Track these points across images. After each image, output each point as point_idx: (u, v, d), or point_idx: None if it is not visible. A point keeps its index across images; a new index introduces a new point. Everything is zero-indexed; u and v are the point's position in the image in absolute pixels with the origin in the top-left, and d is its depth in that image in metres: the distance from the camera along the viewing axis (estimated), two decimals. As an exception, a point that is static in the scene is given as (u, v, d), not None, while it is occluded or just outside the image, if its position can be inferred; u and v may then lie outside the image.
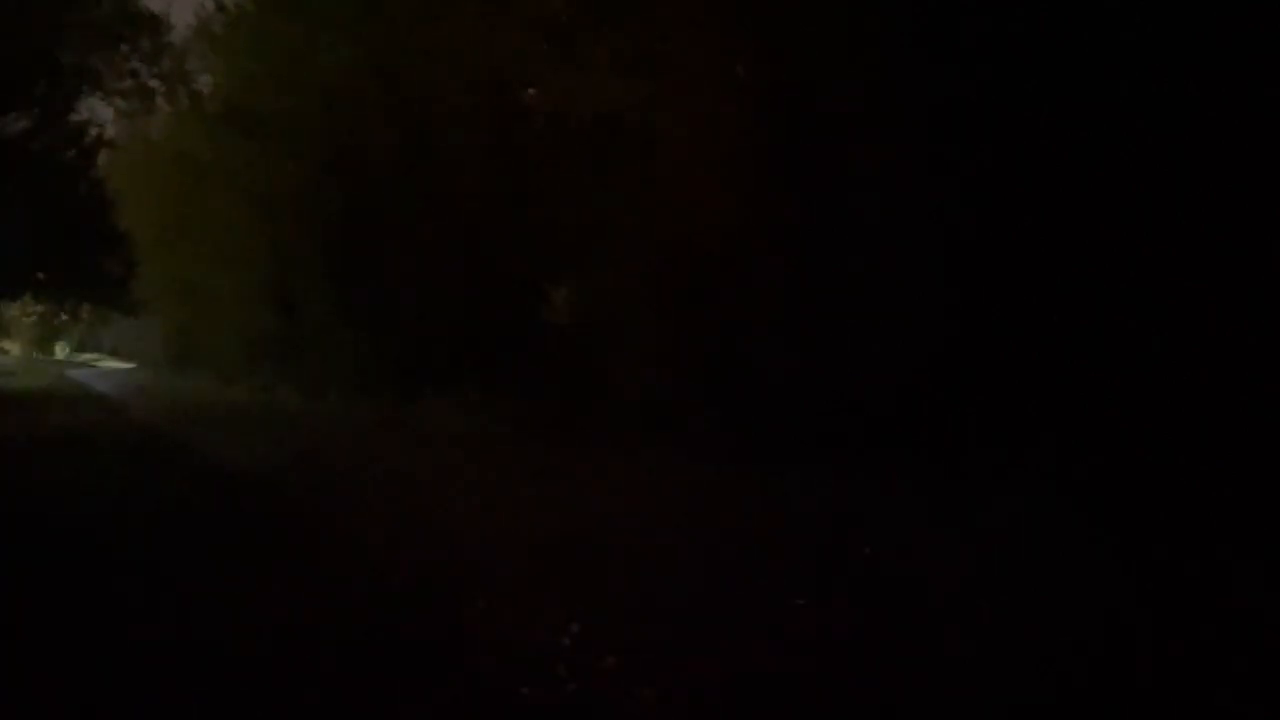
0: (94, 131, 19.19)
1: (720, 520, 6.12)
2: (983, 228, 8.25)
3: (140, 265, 23.91)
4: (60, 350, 54.90)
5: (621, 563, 4.94)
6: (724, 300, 10.74)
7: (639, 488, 7.48)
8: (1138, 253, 7.12)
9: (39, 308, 29.61)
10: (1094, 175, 7.41)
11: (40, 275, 18.52)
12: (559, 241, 13.36)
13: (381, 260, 15.90)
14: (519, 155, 13.66)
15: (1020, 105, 7.71)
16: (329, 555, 5.13)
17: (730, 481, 7.71)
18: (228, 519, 5.99)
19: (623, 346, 11.94)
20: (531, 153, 13.59)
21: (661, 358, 11.30)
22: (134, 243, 22.03)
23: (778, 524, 6.02)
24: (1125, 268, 7.25)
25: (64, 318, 36.75)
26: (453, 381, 14.18)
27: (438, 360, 14.85)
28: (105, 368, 42.91)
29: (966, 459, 7.26)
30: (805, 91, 10.03)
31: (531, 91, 14.07)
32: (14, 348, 51.21)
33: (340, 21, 15.82)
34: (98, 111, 18.79)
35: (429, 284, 14.98)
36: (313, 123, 16.84)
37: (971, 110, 8.09)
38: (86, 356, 52.81)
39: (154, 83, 17.49)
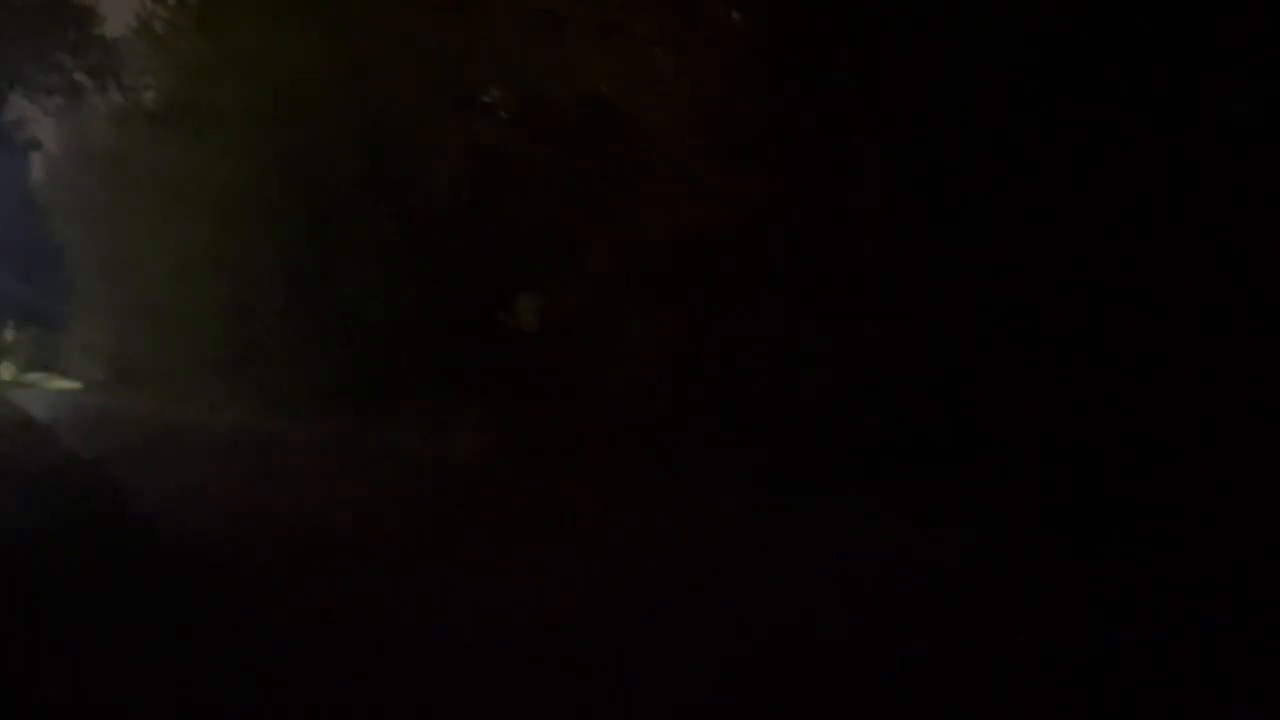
0: (24, 136, 17.78)
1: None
2: (993, 223, 7.67)
3: (79, 278, 22.55)
4: (6, 371, 53.21)
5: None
6: (720, 304, 10.02)
7: (658, 536, 6.12)
8: (1152, 249, 6.67)
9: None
10: (1109, 174, 6.91)
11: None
12: (534, 244, 12.49)
13: (340, 266, 14.93)
14: (490, 151, 12.75)
15: (1025, 102, 7.35)
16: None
17: (757, 517, 6.63)
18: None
19: (606, 355, 11.11)
20: (503, 148, 12.68)
21: (651, 367, 10.58)
22: (71, 254, 20.65)
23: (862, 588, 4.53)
24: (1144, 264, 6.69)
25: (7, 339, 35.12)
26: (418, 397, 13.14)
27: (402, 374, 13.86)
28: (50, 388, 41.28)
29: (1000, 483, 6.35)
30: (804, 72, 9.33)
31: (498, 93, 13.17)
32: (-44, 371, 49.26)
33: (294, 9, 14.71)
34: (27, 114, 17.43)
35: (392, 292, 14.08)
36: (265, 120, 15.84)
37: (977, 101, 7.63)
38: (34, 376, 51.12)
39: (81, 77, 16.07)
